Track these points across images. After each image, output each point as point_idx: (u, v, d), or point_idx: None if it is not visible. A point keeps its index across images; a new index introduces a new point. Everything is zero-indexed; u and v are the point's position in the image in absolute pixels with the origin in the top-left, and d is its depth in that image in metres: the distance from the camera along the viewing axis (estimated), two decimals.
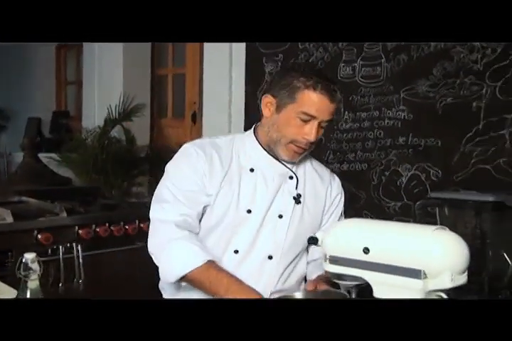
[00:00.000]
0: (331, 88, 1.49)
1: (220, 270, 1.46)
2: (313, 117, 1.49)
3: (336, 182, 1.75)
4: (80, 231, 2.71)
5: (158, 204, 1.57)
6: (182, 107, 4.22)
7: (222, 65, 3.49)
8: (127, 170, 3.90)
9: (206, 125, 3.72)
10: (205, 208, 1.55)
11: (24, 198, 3.00)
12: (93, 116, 4.35)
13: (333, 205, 1.71)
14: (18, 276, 1.19)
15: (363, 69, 2.84)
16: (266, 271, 1.57)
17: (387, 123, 2.76)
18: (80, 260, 2.68)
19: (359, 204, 2.82)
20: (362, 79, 2.85)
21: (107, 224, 2.82)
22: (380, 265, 1.11)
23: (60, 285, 2.62)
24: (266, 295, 1.52)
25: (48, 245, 2.58)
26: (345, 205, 1.77)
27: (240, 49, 3.38)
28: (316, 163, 1.74)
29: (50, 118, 5.06)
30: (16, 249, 2.45)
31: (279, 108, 1.54)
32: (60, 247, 2.62)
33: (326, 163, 2.34)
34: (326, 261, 1.21)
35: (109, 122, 3.88)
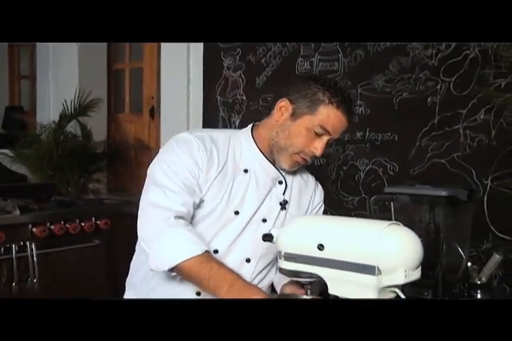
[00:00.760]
0: (351, 109, 1.50)
1: (222, 264, 1.40)
2: (327, 133, 1.48)
3: (319, 190, 1.75)
4: (34, 229, 2.66)
5: (159, 189, 1.47)
6: (140, 102, 4.16)
7: (180, 59, 3.45)
8: (84, 166, 3.83)
9: (164, 120, 3.67)
10: (199, 202, 1.51)
11: None
12: (48, 111, 4.26)
13: (312, 213, 1.70)
14: None
15: (320, 64, 2.85)
16: (242, 274, 1.52)
17: None
18: (34, 259, 2.63)
19: None
20: (320, 74, 2.85)
21: (62, 222, 2.77)
22: (335, 261, 1.11)
23: (14, 284, 2.56)
24: None
25: (0, 244, 2.52)
26: None
27: (197, 43, 3.34)
28: (301, 170, 1.72)
29: (3, 113, 4.93)
30: None
31: (294, 115, 1.51)
32: (13, 246, 2.57)
33: None
34: (281, 258, 1.20)
35: (65, 117, 3.80)
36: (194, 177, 1.49)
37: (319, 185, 1.76)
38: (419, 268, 1.09)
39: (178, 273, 1.42)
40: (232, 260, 1.52)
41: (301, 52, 2.90)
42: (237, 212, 1.52)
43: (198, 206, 1.51)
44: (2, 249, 2.53)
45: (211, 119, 3.32)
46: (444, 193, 1.32)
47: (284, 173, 1.61)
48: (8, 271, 2.55)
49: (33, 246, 2.63)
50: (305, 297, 1.27)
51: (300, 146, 1.51)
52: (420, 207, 1.40)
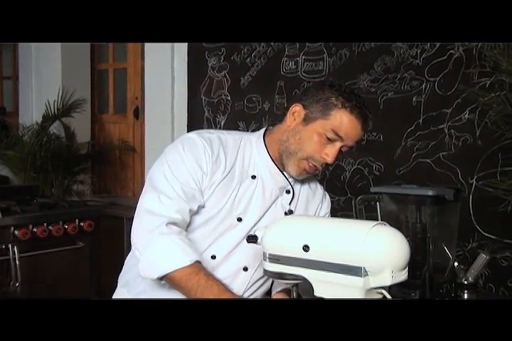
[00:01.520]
0: (366, 115, 1.43)
1: (210, 275, 1.37)
2: (339, 138, 1.42)
3: (327, 201, 1.68)
4: (17, 232, 2.63)
5: (155, 194, 1.43)
6: (124, 103, 4.13)
7: (164, 60, 3.43)
8: (68, 167, 3.80)
9: (148, 121, 3.65)
10: (198, 207, 1.46)
11: None
12: (31, 112, 4.23)
13: None
14: None
15: (305, 64, 2.84)
16: (237, 282, 1.50)
17: None
18: (17, 262, 2.60)
19: None
20: (305, 74, 2.84)
21: (45, 224, 2.73)
22: (321, 263, 1.09)
23: None
24: None
25: None
26: None
27: (182, 43, 3.32)
28: (310, 179, 1.65)
29: None
30: None
31: (306, 120, 1.45)
32: None
33: None
34: (265, 259, 1.18)
35: (48, 118, 3.78)
36: (196, 183, 1.44)
37: (327, 196, 1.69)
38: (406, 268, 1.08)
39: (167, 281, 1.40)
40: (229, 267, 1.49)
41: (286, 52, 2.90)
42: (240, 219, 1.47)
43: (197, 212, 1.46)
44: None
45: (196, 120, 3.30)
46: (430, 193, 1.31)
47: (292, 182, 1.56)
48: None
49: (16, 249, 2.59)
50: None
51: (310, 151, 1.45)
52: (407, 206, 1.38)
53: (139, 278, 1.53)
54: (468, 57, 2.34)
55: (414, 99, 2.49)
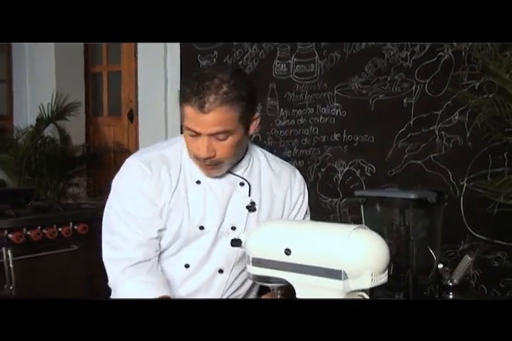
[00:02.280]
0: (200, 99, 1.30)
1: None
2: (196, 132, 1.35)
3: (297, 180, 1.58)
4: (10, 235, 2.62)
5: (110, 237, 1.44)
6: (118, 105, 4.14)
7: (157, 62, 3.44)
8: (63, 170, 3.81)
9: (142, 123, 3.66)
10: (160, 231, 1.44)
11: None
12: (25, 115, 4.24)
13: (295, 209, 1.57)
14: None
15: (297, 66, 2.85)
16: (215, 284, 1.50)
17: (322, 120, 2.77)
18: (11, 265, 2.59)
19: None
20: (296, 77, 2.85)
21: (39, 227, 2.73)
22: (302, 266, 1.10)
23: None
24: None
25: None
26: None
27: (175, 45, 3.33)
28: (273, 161, 1.58)
29: None
30: None
31: (184, 120, 1.40)
32: None
33: None
34: (249, 263, 1.19)
35: (42, 121, 3.78)
36: (149, 210, 1.42)
37: (297, 175, 1.59)
38: (386, 271, 1.09)
39: None
40: (205, 272, 1.49)
41: (278, 55, 2.91)
42: (201, 227, 1.45)
43: (161, 235, 1.45)
44: None
45: None
46: (413, 196, 1.31)
47: (246, 172, 1.50)
48: None
49: (9, 253, 2.59)
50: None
51: (191, 151, 1.41)
52: (391, 209, 1.39)
53: None
54: (458, 60, 2.35)
55: (404, 100, 2.51)
